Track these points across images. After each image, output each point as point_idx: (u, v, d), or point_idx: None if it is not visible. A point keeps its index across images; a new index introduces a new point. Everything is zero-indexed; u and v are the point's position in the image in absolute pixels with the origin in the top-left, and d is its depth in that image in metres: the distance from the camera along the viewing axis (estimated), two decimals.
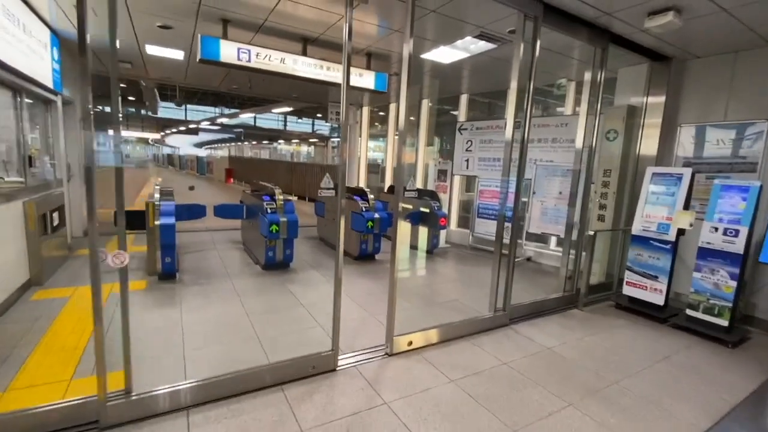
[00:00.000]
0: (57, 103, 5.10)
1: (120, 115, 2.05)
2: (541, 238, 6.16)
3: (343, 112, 2.59)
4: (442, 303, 4.21)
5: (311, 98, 8.94)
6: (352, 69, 4.90)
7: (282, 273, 4.92)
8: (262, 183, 5.78)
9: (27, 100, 4.32)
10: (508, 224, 3.70)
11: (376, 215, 5.39)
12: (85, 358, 2.71)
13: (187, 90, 24.79)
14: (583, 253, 4.35)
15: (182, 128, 27.50)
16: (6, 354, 2.70)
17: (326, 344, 2.82)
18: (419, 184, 8.24)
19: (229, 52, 4.09)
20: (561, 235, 5.50)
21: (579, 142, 4.25)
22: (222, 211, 5.86)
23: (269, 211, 4.78)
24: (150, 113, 29.34)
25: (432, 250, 6.42)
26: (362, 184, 9.77)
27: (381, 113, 9.93)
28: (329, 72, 4.73)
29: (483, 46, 4.46)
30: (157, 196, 4.26)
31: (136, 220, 4.67)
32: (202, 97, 27.54)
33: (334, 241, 6.83)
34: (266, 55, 4.28)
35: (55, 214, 4.62)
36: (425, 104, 7.98)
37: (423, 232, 6.41)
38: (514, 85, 3.49)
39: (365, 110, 9.57)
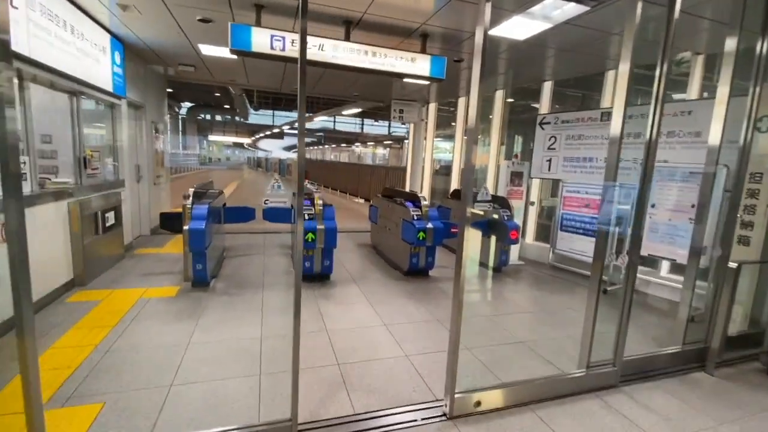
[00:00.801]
0: (121, 107, 5.26)
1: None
2: (646, 261, 4.74)
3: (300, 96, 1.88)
4: (513, 344, 3.27)
5: (373, 96, 8.43)
6: (401, 54, 4.22)
7: (319, 286, 4.40)
8: (310, 184, 5.35)
9: (85, 103, 4.44)
10: (592, 239, 2.65)
11: (429, 225, 4.59)
12: (68, 383, 2.41)
13: (271, 96, 26.47)
14: (715, 288, 3.04)
15: (268, 133, 29.48)
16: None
17: (333, 390, 2.15)
18: (489, 188, 7.17)
19: (261, 40, 3.67)
20: (678, 260, 4.11)
21: (713, 136, 2.97)
22: (271, 215, 5.58)
23: (306, 217, 4.30)
24: (242, 119, 32.12)
25: (500, 268, 5.40)
26: (426, 189, 8.98)
27: (450, 108, 9.02)
28: (375, 59, 4.08)
29: (571, 10, 3.40)
30: (190, 197, 4.03)
31: (175, 223, 4.55)
32: (287, 102, 29.28)
33: (387, 250, 6.23)
34: None
35: (110, 215, 4.71)
36: (498, 96, 6.91)
37: (490, 244, 5.42)
38: (626, 62, 2.42)
39: (432, 107, 8.77)
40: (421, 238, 4.54)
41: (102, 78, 4.56)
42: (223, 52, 5.12)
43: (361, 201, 12.86)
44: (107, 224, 4.64)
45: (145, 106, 6.24)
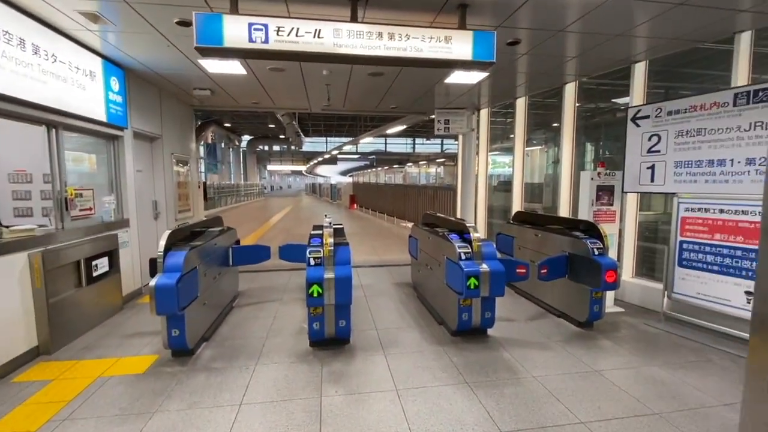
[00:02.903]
0: (124, 138, 4.72)
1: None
2: None
3: None
4: None
5: (414, 107, 7.33)
6: (430, 33, 2.81)
7: (333, 354, 3.25)
8: (322, 224, 4.28)
9: (69, 136, 3.87)
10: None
11: (483, 267, 3.25)
12: None
13: (321, 122, 26.72)
14: None
15: (320, 159, 29.77)
16: None
17: None
18: (563, 210, 5.60)
19: (236, 31, 2.74)
20: None
21: None
22: (288, 254, 4.61)
23: (312, 262, 3.21)
24: (296, 148, 32.99)
25: (591, 322, 3.83)
26: (481, 211, 7.54)
27: (507, 114, 7.61)
28: (394, 43, 2.96)
29: None
30: (162, 242, 3.14)
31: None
32: (338, 128, 29.49)
33: (430, 294, 4.99)
34: (292, 29, 2.79)
35: (101, 261, 4.04)
36: (569, 91, 5.43)
37: (573, 288, 3.91)
38: None
39: (483, 114, 7.43)
40: (472, 287, 3.21)
41: (90, 107, 4.00)
42: (233, 68, 4.36)
43: (409, 225, 11.66)
44: (96, 273, 3.97)
45: (162, 137, 5.74)
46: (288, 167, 36.42)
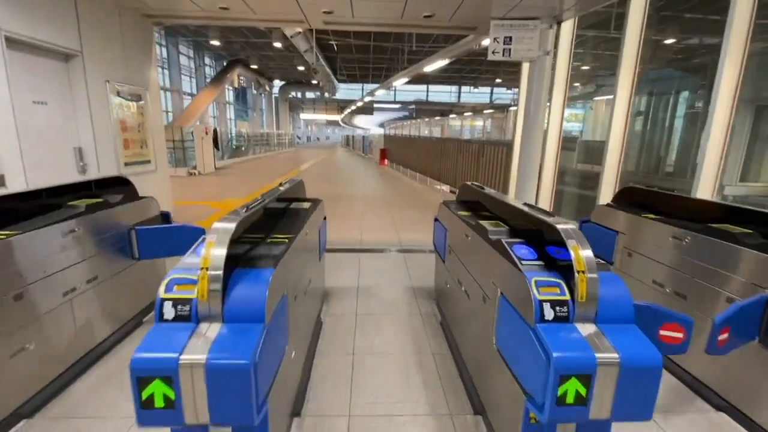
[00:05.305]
0: None
1: None
2: None
3: None
4: None
5: (456, 18, 4.91)
6: None
7: None
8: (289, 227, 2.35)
9: None
10: None
11: (606, 352, 1.24)
12: None
13: (357, 65, 23.94)
14: None
15: (353, 107, 27.39)
16: None
17: None
18: (705, 188, 3.27)
19: None
20: None
21: None
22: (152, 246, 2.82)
23: (169, 312, 1.33)
24: (330, 95, 30.64)
25: None
26: (548, 181, 5.22)
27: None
28: None
29: None
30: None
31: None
32: (375, 72, 26.62)
33: (461, 340, 2.10)
34: None
35: None
36: None
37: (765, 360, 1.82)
38: None
39: (566, 28, 4.91)
40: (570, 401, 1.24)
41: None
42: None
43: (445, 189, 9.50)
44: None
45: (82, 56, 3.94)
46: (321, 116, 34.27)
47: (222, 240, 1.36)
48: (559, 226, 1.52)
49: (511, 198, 2.46)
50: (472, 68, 22.87)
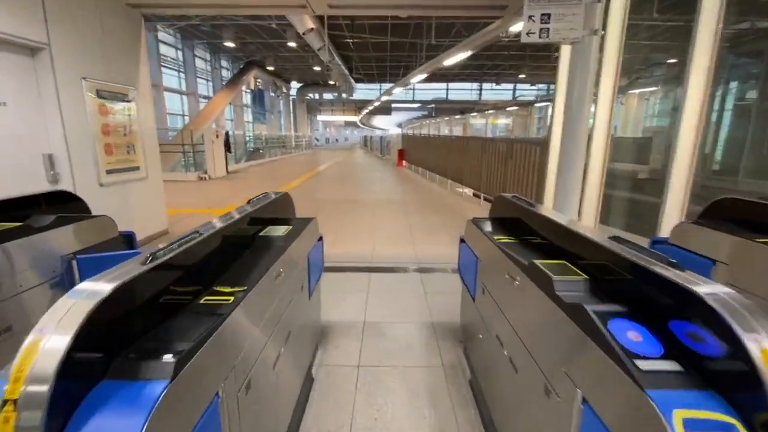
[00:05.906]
0: None
1: None
2: None
3: None
4: None
5: None
6: None
7: None
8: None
9: None
10: None
11: None
12: None
13: (374, 63, 23.31)
14: None
15: (370, 108, 26.77)
16: None
17: None
18: None
19: None
20: None
21: None
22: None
23: None
24: (347, 96, 30.14)
25: None
26: (594, 186, 4.37)
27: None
28: None
29: None
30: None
31: None
32: (392, 70, 25.92)
33: (491, 397, 1.74)
34: None
35: None
36: None
37: None
38: None
39: (617, 4, 4.08)
40: None
41: None
42: None
43: (468, 192, 8.70)
44: None
45: (50, 48, 3.42)
46: (339, 117, 33.87)
47: (58, 340, 0.70)
48: (713, 303, 0.79)
49: (579, 223, 1.71)
50: (495, 63, 21.81)
